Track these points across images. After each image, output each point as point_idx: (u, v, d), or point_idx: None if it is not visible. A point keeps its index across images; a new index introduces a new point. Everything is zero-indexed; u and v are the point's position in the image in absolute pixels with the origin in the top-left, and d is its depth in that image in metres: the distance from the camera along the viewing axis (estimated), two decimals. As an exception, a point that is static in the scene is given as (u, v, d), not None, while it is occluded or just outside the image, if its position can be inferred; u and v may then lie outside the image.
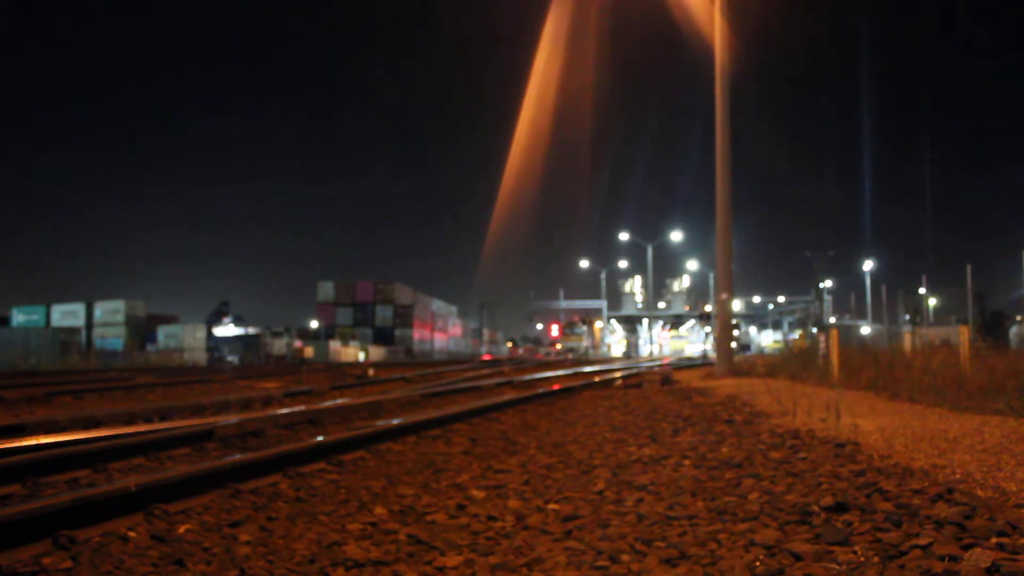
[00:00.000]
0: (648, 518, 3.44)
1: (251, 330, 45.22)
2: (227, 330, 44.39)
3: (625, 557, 2.92)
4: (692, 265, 73.67)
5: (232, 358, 39.91)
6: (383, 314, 62.58)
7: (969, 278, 16.93)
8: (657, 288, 74.78)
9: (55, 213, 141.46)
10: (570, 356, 54.40)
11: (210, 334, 43.08)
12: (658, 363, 29.48)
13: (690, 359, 40.19)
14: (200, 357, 39.93)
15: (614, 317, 76.52)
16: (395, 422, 7.02)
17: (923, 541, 2.66)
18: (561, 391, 12.37)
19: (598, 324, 72.36)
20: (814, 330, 33.78)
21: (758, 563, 2.69)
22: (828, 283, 67.63)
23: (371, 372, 20.53)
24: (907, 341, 14.83)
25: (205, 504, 3.87)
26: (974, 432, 5.31)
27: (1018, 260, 16.37)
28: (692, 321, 73.70)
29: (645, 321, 73.28)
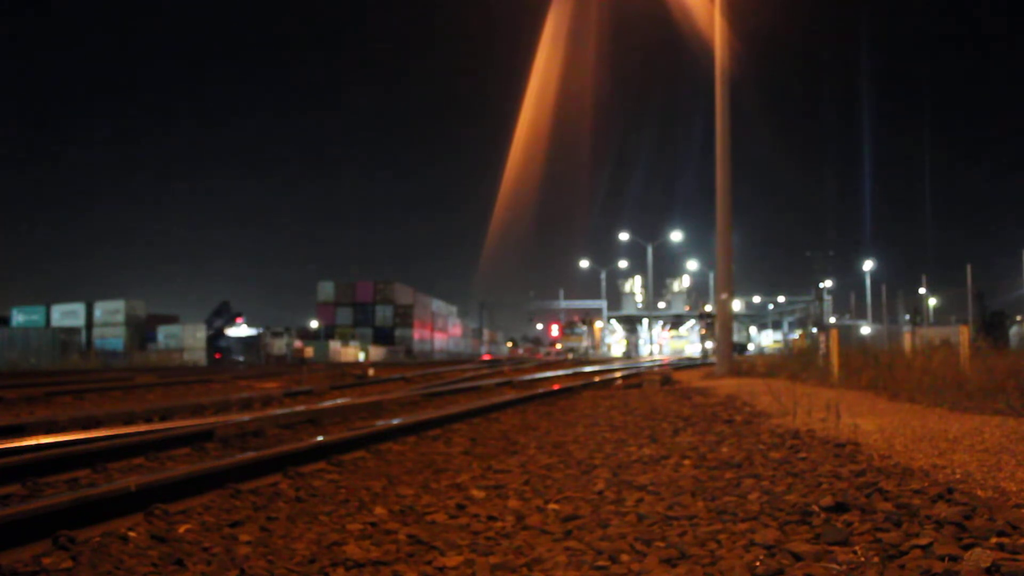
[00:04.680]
0: (648, 518, 3.44)
1: (252, 330, 45.29)
2: (240, 330, 44.38)
3: (625, 557, 2.92)
4: (692, 265, 73.84)
5: (239, 358, 39.95)
6: (383, 314, 62.58)
7: (969, 278, 16.90)
8: (657, 288, 74.89)
9: (55, 213, 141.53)
10: (570, 356, 54.39)
11: (221, 334, 43.08)
12: (658, 363, 29.49)
13: (690, 359, 40.19)
14: (200, 357, 39.94)
15: (614, 317, 76.50)
16: (395, 422, 7.02)
17: (923, 541, 2.66)
18: (561, 391, 12.37)
19: (598, 324, 72.33)
20: (814, 330, 33.77)
21: (758, 563, 2.69)
22: (828, 283, 67.71)
23: (371, 372, 20.54)
24: (907, 341, 14.83)
25: (205, 504, 3.87)
26: (974, 432, 5.30)
27: (1018, 260, 16.36)
28: (692, 321, 73.68)
29: (645, 321, 73.31)
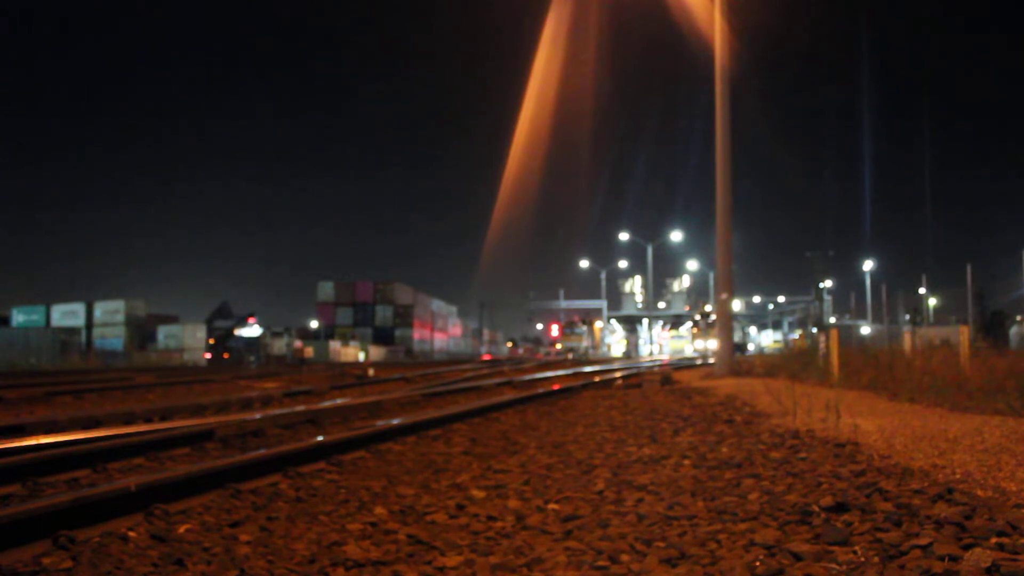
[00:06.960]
0: (648, 518, 3.44)
1: (260, 330, 45.24)
2: (253, 331, 44.35)
3: (625, 557, 2.92)
4: (692, 265, 73.82)
5: (251, 358, 39.93)
6: (383, 314, 62.59)
7: (969, 278, 16.93)
8: (657, 288, 74.83)
9: (55, 213, 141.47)
10: (570, 356, 54.34)
11: (231, 334, 43.03)
12: (658, 363, 29.49)
13: (690, 359, 40.18)
14: (200, 357, 39.92)
15: (614, 317, 76.47)
16: (395, 422, 7.02)
17: (923, 541, 2.66)
18: (561, 391, 12.37)
19: (598, 324, 72.29)
20: (814, 330, 33.75)
21: (758, 563, 2.69)
22: (828, 283, 67.67)
23: (371, 372, 20.54)
24: (907, 341, 14.83)
25: (205, 504, 3.87)
26: (974, 432, 5.30)
27: (1018, 260, 16.37)
28: (692, 321, 73.64)
29: (645, 321, 73.29)
